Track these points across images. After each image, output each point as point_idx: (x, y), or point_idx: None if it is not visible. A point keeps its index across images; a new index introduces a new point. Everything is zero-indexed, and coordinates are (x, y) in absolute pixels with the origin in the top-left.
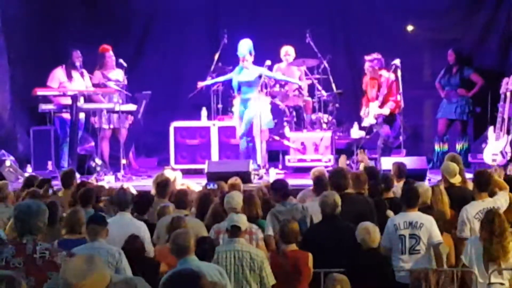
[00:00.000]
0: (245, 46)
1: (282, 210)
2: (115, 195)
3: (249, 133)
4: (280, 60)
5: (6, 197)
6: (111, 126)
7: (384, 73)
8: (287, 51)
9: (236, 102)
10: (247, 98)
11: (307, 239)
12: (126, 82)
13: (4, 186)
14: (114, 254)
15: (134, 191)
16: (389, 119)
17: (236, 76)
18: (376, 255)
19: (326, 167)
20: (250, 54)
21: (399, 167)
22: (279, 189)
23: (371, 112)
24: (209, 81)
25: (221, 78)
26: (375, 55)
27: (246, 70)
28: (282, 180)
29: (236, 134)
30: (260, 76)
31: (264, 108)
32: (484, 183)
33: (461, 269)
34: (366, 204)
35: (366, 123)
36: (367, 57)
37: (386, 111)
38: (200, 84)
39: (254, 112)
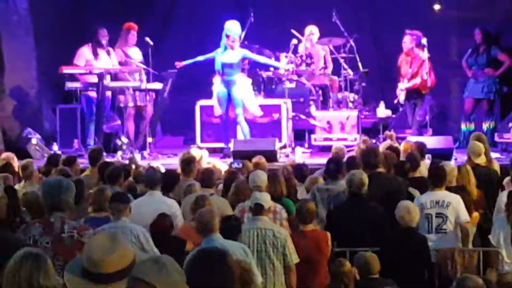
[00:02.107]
0: (238, 27)
1: (323, 188)
2: (145, 174)
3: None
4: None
5: (31, 175)
6: (137, 104)
7: (418, 51)
8: (311, 31)
9: (217, 81)
10: (229, 80)
11: (331, 217)
12: (143, 60)
13: (29, 164)
14: (138, 234)
15: (163, 169)
16: (416, 98)
17: (219, 57)
18: (414, 234)
19: (350, 146)
20: (239, 37)
21: (419, 146)
22: (332, 168)
23: (401, 88)
24: (188, 61)
25: (202, 57)
26: (416, 31)
27: (230, 51)
28: (337, 158)
29: (215, 113)
30: (243, 59)
31: (248, 89)
32: None
33: (488, 249)
34: (396, 183)
35: (401, 99)
36: (408, 31)
37: (409, 85)
38: (179, 64)
39: (242, 94)
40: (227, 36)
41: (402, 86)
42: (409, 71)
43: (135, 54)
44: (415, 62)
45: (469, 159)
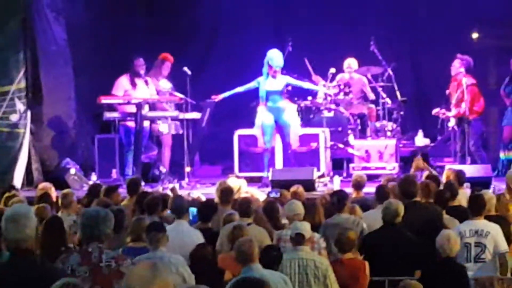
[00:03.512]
0: (281, 58)
1: (332, 223)
2: (172, 203)
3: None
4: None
5: (70, 204)
6: (172, 133)
7: (464, 77)
8: (350, 64)
9: (261, 110)
10: (276, 107)
11: (365, 244)
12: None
13: (69, 193)
14: (177, 264)
15: (203, 199)
16: (465, 125)
17: (263, 85)
18: (453, 264)
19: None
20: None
21: (458, 174)
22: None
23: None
24: (227, 93)
25: (241, 88)
26: (466, 56)
27: (272, 79)
28: (342, 191)
29: (259, 143)
30: (287, 85)
31: (295, 116)
32: None
33: None
34: (435, 212)
35: (450, 124)
36: (459, 55)
37: (452, 114)
38: (216, 97)
39: (290, 120)
40: (270, 66)
41: (449, 114)
42: (455, 97)
43: (165, 85)
44: (459, 88)
45: (510, 188)
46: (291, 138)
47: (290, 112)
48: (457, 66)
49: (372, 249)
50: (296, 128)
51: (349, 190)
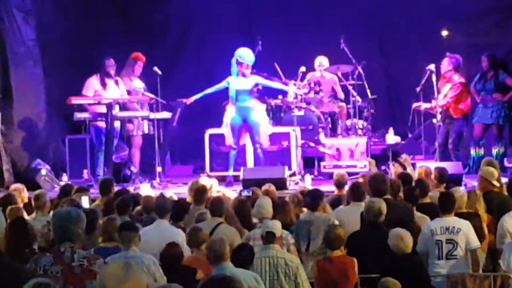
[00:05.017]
0: (251, 55)
1: (304, 220)
2: (155, 202)
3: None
4: (314, 67)
5: (43, 205)
6: (140, 133)
7: (454, 74)
8: (321, 62)
9: (230, 109)
10: (245, 106)
11: (349, 244)
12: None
13: (42, 194)
14: (149, 263)
15: (175, 198)
16: (449, 121)
17: (233, 84)
18: (411, 260)
19: (359, 173)
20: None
21: (440, 172)
22: (307, 200)
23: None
24: (197, 95)
25: (211, 89)
26: (456, 55)
27: (243, 78)
28: (317, 190)
29: (227, 142)
30: (256, 84)
31: (264, 116)
32: None
33: (499, 274)
34: (404, 210)
35: (434, 120)
36: (448, 54)
37: (426, 106)
38: (188, 101)
39: (258, 119)
40: (240, 64)
41: (425, 105)
42: (442, 91)
43: (138, 84)
44: (450, 84)
45: (488, 183)
46: (261, 137)
47: (258, 111)
48: (446, 65)
49: (353, 247)
50: (265, 127)
51: (323, 188)
